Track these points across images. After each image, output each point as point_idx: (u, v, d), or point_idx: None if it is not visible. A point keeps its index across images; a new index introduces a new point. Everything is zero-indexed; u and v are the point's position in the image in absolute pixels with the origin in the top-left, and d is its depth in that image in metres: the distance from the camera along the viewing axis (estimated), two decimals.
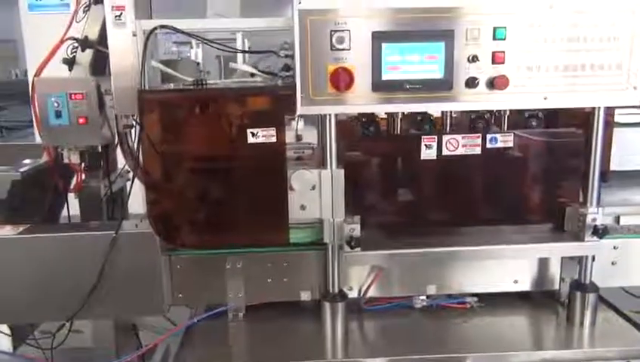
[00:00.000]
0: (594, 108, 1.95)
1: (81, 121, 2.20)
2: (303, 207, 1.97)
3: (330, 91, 1.84)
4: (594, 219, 1.94)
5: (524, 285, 2.25)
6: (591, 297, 2.08)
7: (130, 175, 2.64)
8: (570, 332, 2.09)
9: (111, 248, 2.01)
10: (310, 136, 2.38)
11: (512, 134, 2.01)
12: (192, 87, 2.05)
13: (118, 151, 2.49)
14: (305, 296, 2.20)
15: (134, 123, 2.13)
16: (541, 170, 2.15)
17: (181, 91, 1.99)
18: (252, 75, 2.13)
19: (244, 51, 2.09)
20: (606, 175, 2.04)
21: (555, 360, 1.94)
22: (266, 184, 1.97)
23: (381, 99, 1.86)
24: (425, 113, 2.09)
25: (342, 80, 1.81)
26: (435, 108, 1.97)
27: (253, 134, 1.90)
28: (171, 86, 2.06)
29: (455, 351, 1.98)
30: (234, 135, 1.93)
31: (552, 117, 2.16)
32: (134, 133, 2.22)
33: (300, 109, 1.86)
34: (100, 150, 2.38)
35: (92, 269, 2.01)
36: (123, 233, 2.03)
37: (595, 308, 2.09)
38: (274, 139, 1.91)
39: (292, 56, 2.20)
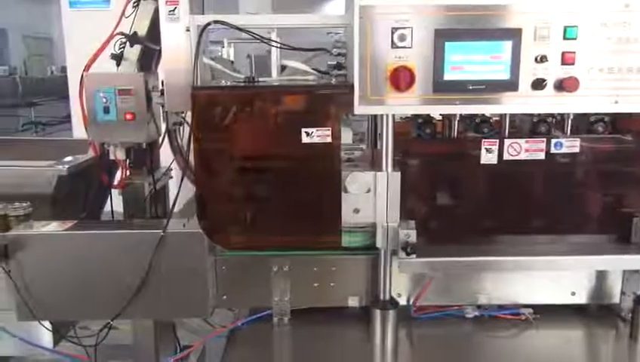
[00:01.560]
0: None
1: (128, 117, 2.18)
2: (356, 211, 1.90)
3: (389, 91, 1.77)
4: None
5: (582, 298, 2.15)
6: None
7: (173, 173, 2.66)
8: (633, 348, 1.98)
9: (158, 247, 1.97)
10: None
11: (579, 139, 1.90)
12: (243, 84, 2.00)
13: (162, 148, 2.49)
14: (352, 301, 2.13)
15: (184, 120, 2.10)
16: (606, 178, 2.04)
17: (236, 88, 1.94)
18: (304, 73, 2.07)
19: (296, 49, 2.03)
20: None
21: None
22: (319, 185, 1.90)
23: (442, 100, 1.78)
24: (483, 115, 2.01)
25: (402, 79, 1.73)
26: (499, 111, 1.88)
27: (307, 134, 1.84)
28: (223, 83, 2.01)
29: None
30: (287, 134, 1.87)
31: (616, 123, 2.06)
32: (183, 130, 2.20)
33: (358, 109, 1.79)
34: (144, 147, 2.37)
35: (137, 268, 1.98)
36: (170, 232, 1.98)
37: None
38: (329, 140, 1.84)
39: (345, 55, 2.16)
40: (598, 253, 1.92)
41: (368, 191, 1.87)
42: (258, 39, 1.97)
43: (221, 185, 1.95)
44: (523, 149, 1.90)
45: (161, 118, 2.31)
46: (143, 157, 2.44)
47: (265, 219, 1.96)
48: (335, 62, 2.19)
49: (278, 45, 1.97)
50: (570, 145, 1.89)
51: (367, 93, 1.78)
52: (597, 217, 2.06)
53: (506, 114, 1.98)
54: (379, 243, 1.92)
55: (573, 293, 2.14)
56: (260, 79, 2.03)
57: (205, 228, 1.98)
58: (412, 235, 1.81)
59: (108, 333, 2.25)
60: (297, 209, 1.95)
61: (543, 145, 1.90)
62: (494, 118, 2.05)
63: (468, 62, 1.75)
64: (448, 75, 1.76)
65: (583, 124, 2.03)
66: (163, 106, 2.12)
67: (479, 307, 2.17)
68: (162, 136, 2.39)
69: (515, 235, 2.05)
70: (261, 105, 1.86)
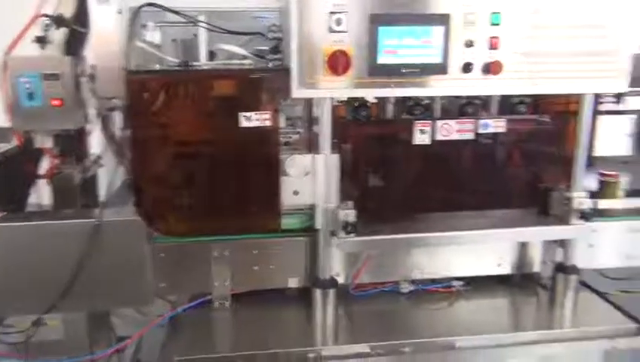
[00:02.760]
0: (582, 95, 1.99)
1: (55, 103, 2.08)
2: (296, 193, 1.93)
3: (326, 74, 1.81)
4: (581, 203, 1.99)
5: (507, 268, 2.30)
6: (573, 279, 2.14)
7: (104, 161, 2.57)
8: (554, 313, 2.15)
9: (93, 237, 1.91)
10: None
11: (505, 120, 2.02)
12: (178, 68, 1.97)
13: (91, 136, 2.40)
14: (293, 283, 2.17)
15: (117, 106, 2.04)
16: (527, 156, 2.19)
17: (173, 72, 1.91)
18: (240, 57, 2.07)
19: (232, 32, 2.02)
20: (591, 160, 2.09)
21: (542, 341, 1.98)
22: (258, 169, 1.92)
23: (377, 83, 1.84)
24: (416, 98, 2.09)
25: (339, 63, 1.77)
26: (431, 93, 1.96)
27: (246, 118, 1.84)
28: (157, 67, 1.97)
29: (444, 335, 1.99)
30: (225, 118, 1.87)
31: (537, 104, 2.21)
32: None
33: (296, 92, 1.81)
34: (73, 134, 2.27)
35: (72, 259, 1.91)
36: (106, 221, 1.93)
37: (576, 290, 2.16)
38: (268, 123, 1.86)
39: (281, 39, 2.17)
40: (521, 225, 2.06)
41: (307, 173, 1.90)
42: (193, 22, 1.94)
43: (158, 171, 1.93)
44: (454, 130, 2.00)
45: (91, 103, 2.23)
46: (72, 145, 2.34)
47: (204, 204, 1.96)
48: (270, 47, 2.19)
49: (216, 29, 1.95)
50: (496, 125, 2.01)
51: (305, 77, 1.80)
52: (520, 192, 2.21)
53: (436, 96, 2.07)
54: (318, 224, 1.96)
55: (499, 264, 2.29)
56: (195, 63, 2.01)
57: (142, 215, 1.94)
58: (351, 215, 1.87)
59: (37, 330, 2.16)
60: (237, 193, 1.96)
61: (472, 126, 2.00)
62: (425, 101, 2.14)
63: (401, 46, 1.82)
64: (382, 59, 1.82)
65: (507, 105, 2.16)
66: (94, 92, 2.05)
67: (413, 282, 2.27)
68: (92, 122, 2.31)
69: (446, 212, 2.16)
70: (198, 90, 1.84)
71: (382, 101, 2.07)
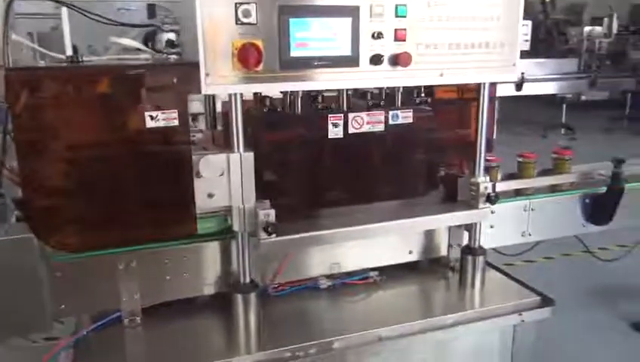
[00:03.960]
0: (480, 84, 2.09)
1: None
2: (210, 195, 1.82)
3: (236, 69, 1.71)
4: (486, 188, 2.09)
5: (418, 255, 2.37)
6: (480, 260, 2.25)
7: None
8: (466, 294, 2.25)
9: None
10: None
11: (412, 110, 2.06)
12: (66, 64, 1.77)
13: None
14: (208, 290, 2.06)
15: None
16: (430, 145, 2.26)
17: (62, 69, 1.70)
18: (135, 51, 1.91)
19: (127, 25, 1.85)
20: (491, 144, 2.20)
21: (460, 322, 2.06)
22: (168, 172, 1.78)
23: (290, 77, 1.78)
24: (316, 92, 2.06)
25: (250, 56, 1.69)
26: (343, 86, 1.94)
27: (152, 117, 1.70)
28: (42, 64, 1.75)
29: (369, 327, 2.00)
30: (128, 118, 1.71)
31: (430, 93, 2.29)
32: None
33: (205, 88, 1.70)
34: None
35: None
36: None
37: (484, 270, 2.27)
38: (176, 123, 1.72)
39: (177, 32, 2.04)
40: (433, 213, 2.12)
41: (222, 174, 1.80)
42: (81, 13, 1.75)
43: (51, 180, 1.71)
44: (365, 122, 2.00)
45: None
46: None
47: (108, 214, 1.78)
48: (166, 40, 2.05)
49: (111, 22, 1.77)
50: (405, 115, 2.04)
51: (214, 72, 1.70)
52: (425, 180, 2.28)
53: (343, 89, 2.06)
54: (236, 226, 1.87)
55: (410, 252, 2.35)
56: (86, 58, 1.82)
57: (34, 231, 1.72)
58: (271, 215, 1.80)
59: None
60: (145, 200, 1.80)
61: (382, 117, 2.02)
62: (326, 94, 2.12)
63: (312, 38, 1.77)
64: (295, 52, 1.76)
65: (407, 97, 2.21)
66: None
67: (330, 277, 2.26)
68: None
69: (356, 205, 2.15)
70: (91, 88, 1.66)
71: (292, 96, 2.02)
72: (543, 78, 7.38)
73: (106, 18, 1.87)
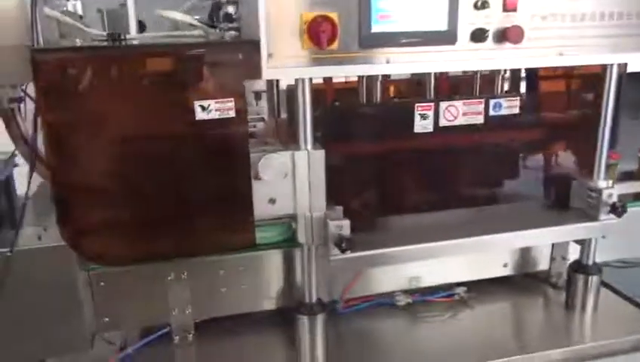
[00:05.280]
0: (605, 66, 1.66)
1: None
2: (272, 201, 1.52)
3: (305, 48, 1.38)
4: (610, 195, 1.67)
5: (513, 269, 2.00)
6: (594, 280, 1.85)
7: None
8: (576, 320, 1.86)
9: (4, 272, 1.44)
10: None
11: (518, 98, 1.67)
12: (106, 44, 1.50)
13: None
14: (269, 305, 1.78)
15: (25, 95, 1.54)
16: (530, 139, 1.86)
17: (100, 49, 1.43)
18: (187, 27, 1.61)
19: None
20: (615, 143, 1.77)
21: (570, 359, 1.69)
22: (221, 173, 1.49)
23: (370, 58, 1.44)
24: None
25: (323, 32, 1.35)
26: (437, 68, 1.58)
27: (202, 108, 1.40)
28: (78, 43, 1.49)
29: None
30: (174, 109, 1.42)
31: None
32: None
33: (267, 73, 1.38)
34: None
35: None
36: (22, 250, 1.46)
37: (597, 292, 1.87)
38: (232, 114, 1.42)
39: (236, 3, 1.72)
40: (538, 225, 1.72)
41: (286, 176, 1.49)
42: None
43: (89, 180, 1.46)
44: (460, 113, 1.63)
45: None
46: None
47: (152, 222, 1.51)
48: (223, 14, 1.75)
49: None
50: (510, 105, 1.65)
51: (277, 52, 1.38)
52: (529, 182, 1.88)
53: (429, 73, 1.70)
54: (301, 238, 1.56)
55: (505, 265, 1.98)
56: (129, 36, 1.54)
57: (70, 238, 1.49)
58: (345, 226, 1.47)
59: None
60: (194, 204, 1.52)
61: (482, 108, 1.64)
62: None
63: (398, 10, 1.41)
64: (377, 27, 1.41)
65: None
66: None
67: (407, 292, 1.93)
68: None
69: (444, 210, 1.80)
70: (137, 71, 1.38)
71: (369, 80, 1.68)
72: None
73: None
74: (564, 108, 1.93)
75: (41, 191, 1.76)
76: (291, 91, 1.66)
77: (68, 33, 1.59)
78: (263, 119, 2.00)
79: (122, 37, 1.51)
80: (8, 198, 1.97)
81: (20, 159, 2.04)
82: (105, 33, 1.55)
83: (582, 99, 1.87)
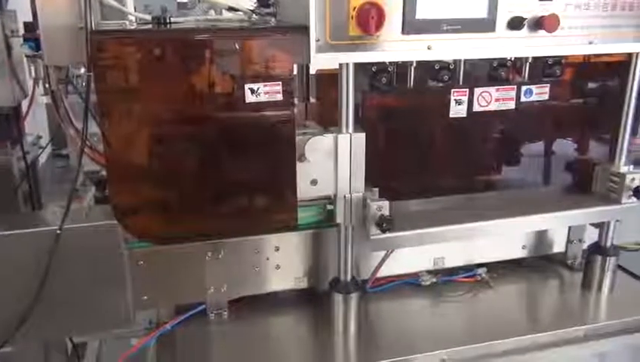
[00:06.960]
0: (630, 54, 1.73)
1: None
2: (313, 182, 1.56)
3: (352, 34, 1.42)
4: (633, 179, 1.74)
5: (531, 250, 2.07)
6: (612, 261, 1.93)
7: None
8: (594, 299, 1.94)
9: (53, 250, 1.47)
10: None
11: (548, 85, 1.73)
12: (153, 26, 1.52)
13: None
14: (301, 283, 1.84)
15: (71, 77, 1.56)
16: (557, 124, 1.93)
17: (155, 32, 1.46)
18: (231, 9, 1.64)
19: None
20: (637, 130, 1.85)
21: (591, 336, 1.77)
22: (267, 154, 1.53)
23: (413, 43, 1.48)
24: (441, 61, 1.74)
25: (372, 18, 1.39)
26: (475, 55, 1.61)
27: (252, 91, 1.44)
28: (127, 25, 1.51)
29: (478, 339, 1.72)
30: (224, 91, 1.45)
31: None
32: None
33: (315, 58, 1.42)
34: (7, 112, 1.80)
35: (26, 279, 1.47)
36: (71, 227, 1.49)
37: (614, 273, 1.95)
38: (279, 97, 1.46)
39: None
40: (563, 207, 1.79)
41: (329, 158, 1.54)
42: None
43: (137, 160, 1.49)
44: (493, 99, 1.69)
45: (27, 72, 1.75)
46: (5, 126, 1.85)
47: (199, 202, 1.55)
48: None
49: None
50: (540, 92, 1.71)
51: (327, 38, 1.41)
52: (553, 167, 1.95)
53: (459, 60, 1.74)
54: (340, 218, 1.61)
55: (523, 247, 2.05)
56: (174, 20, 1.57)
57: (121, 216, 1.52)
58: (385, 207, 1.53)
59: None
60: (240, 184, 1.56)
61: (514, 93, 1.69)
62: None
63: None
64: (422, 13, 1.45)
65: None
66: (32, 57, 1.58)
67: (430, 273, 1.99)
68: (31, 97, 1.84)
69: (472, 193, 1.87)
70: (191, 55, 1.40)
71: (403, 65, 1.72)
72: None
73: None
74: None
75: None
76: (321, 76, 1.72)
77: (109, 15, 1.60)
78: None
79: (167, 20, 1.53)
80: (35, 179, 2.00)
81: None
82: (149, 17, 1.56)
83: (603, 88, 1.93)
